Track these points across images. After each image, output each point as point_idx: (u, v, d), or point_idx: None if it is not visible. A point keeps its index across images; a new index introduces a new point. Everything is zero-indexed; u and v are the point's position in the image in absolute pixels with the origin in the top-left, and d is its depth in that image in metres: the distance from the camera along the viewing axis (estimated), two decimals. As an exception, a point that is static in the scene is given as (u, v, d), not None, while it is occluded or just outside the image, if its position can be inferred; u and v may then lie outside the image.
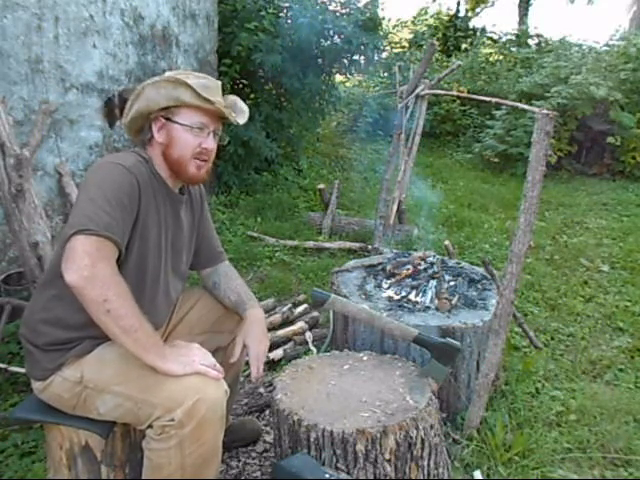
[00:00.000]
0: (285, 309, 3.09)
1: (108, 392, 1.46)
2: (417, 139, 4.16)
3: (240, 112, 1.66)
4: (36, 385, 1.54)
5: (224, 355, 1.84)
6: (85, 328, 1.49)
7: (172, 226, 1.64)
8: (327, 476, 1.46)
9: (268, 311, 3.09)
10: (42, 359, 1.51)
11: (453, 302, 2.29)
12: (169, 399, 1.39)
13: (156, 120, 1.57)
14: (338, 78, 7.72)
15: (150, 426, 1.42)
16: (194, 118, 1.54)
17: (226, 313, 1.85)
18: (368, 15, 5.65)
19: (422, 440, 1.62)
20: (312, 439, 1.57)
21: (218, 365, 1.48)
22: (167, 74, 1.59)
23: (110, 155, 1.62)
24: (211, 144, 1.58)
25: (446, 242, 3.14)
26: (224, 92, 1.64)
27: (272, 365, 2.65)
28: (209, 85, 1.56)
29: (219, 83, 1.62)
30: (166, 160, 1.58)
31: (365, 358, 1.94)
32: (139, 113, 1.57)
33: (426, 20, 13.77)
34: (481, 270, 2.61)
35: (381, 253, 3.40)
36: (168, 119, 1.55)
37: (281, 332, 2.83)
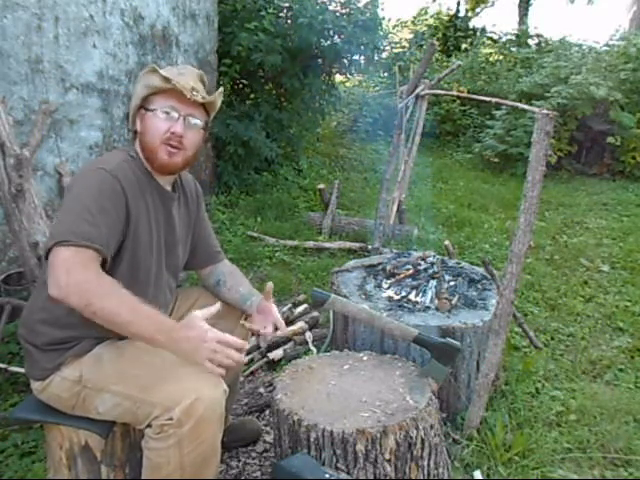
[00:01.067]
0: (285, 309, 3.09)
1: (107, 391, 1.46)
2: (417, 139, 4.16)
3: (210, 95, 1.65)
4: (35, 385, 1.55)
5: None
6: (84, 328, 1.49)
7: (164, 224, 1.63)
8: (327, 476, 1.46)
9: (268, 311, 3.09)
10: (41, 359, 1.51)
11: (453, 302, 2.29)
12: (167, 398, 1.39)
13: (139, 112, 1.59)
14: (338, 78, 7.71)
15: (149, 425, 1.42)
16: (162, 102, 1.55)
17: (225, 312, 1.84)
18: (368, 15, 5.65)
19: (422, 440, 1.62)
20: (312, 439, 1.57)
21: (233, 338, 1.39)
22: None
23: (98, 158, 1.63)
24: (179, 128, 1.54)
25: (446, 242, 3.14)
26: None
27: (272, 365, 2.65)
28: (183, 72, 1.59)
29: (198, 72, 1.64)
30: (142, 149, 1.59)
31: (365, 358, 1.94)
32: (133, 107, 1.61)
33: (426, 20, 13.77)
34: (481, 270, 2.61)
35: (381, 253, 3.40)
36: (146, 109, 1.57)
37: (281, 332, 2.83)
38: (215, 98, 1.63)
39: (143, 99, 1.57)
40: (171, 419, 1.38)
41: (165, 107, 1.54)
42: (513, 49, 10.52)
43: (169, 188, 1.67)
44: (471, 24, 12.94)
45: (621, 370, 2.68)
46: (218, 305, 1.47)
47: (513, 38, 11.12)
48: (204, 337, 1.35)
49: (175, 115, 1.55)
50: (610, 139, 6.77)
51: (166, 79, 1.52)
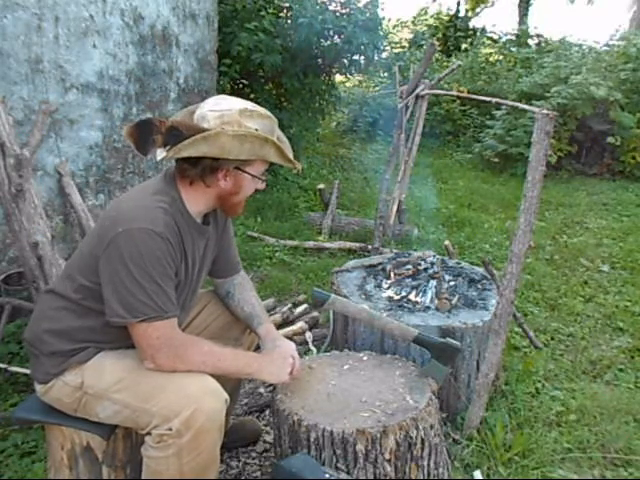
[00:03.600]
0: (285, 309, 3.09)
1: (107, 399, 1.47)
2: (417, 139, 4.16)
3: (290, 150, 1.66)
4: (38, 388, 1.55)
5: None
6: (92, 341, 1.51)
7: (198, 256, 1.62)
8: (327, 476, 1.46)
9: (268, 311, 3.09)
10: (46, 363, 1.52)
11: (453, 302, 2.29)
12: (166, 408, 1.39)
13: (226, 169, 1.50)
14: (338, 78, 7.72)
15: (149, 433, 1.42)
16: (262, 168, 1.57)
17: (233, 320, 1.84)
18: (368, 15, 5.65)
19: (422, 440, 1.62)
20: (312, 439, 1.57)
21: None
22: (233, 109, 1.47)
23: (133, 204, 1.47)
24: (264, 185, 1.62)
25: (446, 242, 3.13)
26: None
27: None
28: (274, 128, 1.58)
29: (276, 120, 1.63)
30: (221, 202, 1.57)
31: (365, 358, 1.94)
32: (204, 155, 1.44)
33: (426, 20, 13.78)
34: (481, 270, 2.61)
35: (381, 253, 3.40)
36: (240, 169, 1.52)
37: (281, 332, 2.83)
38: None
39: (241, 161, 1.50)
40: (170, 429, 1.38)
41: (263, 172, 1.59)
42: (513, 49, 10.51)
43: (200, 220, 1.62)
44: (471, 24, 12.94)
45: (621, 370, 2.68)
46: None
47: (513, 38, 11.12)
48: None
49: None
50: (610, 139, 6.77)
51: (291, 162, 1.57)
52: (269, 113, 1.58)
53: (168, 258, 1.43)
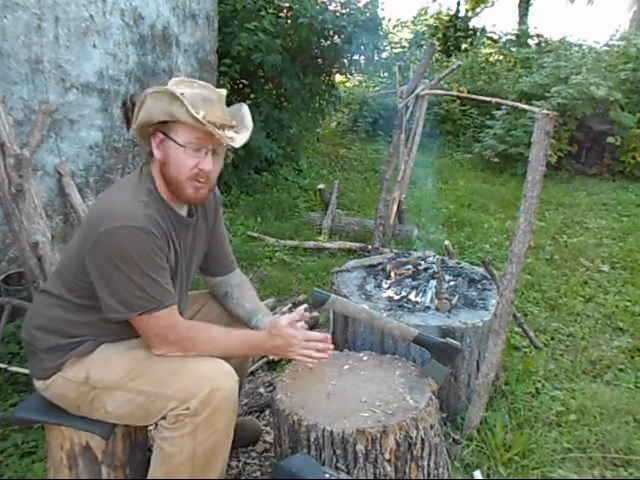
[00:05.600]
0: (285, 309, 3.09)
1: (119, 389, 1.48)
2: (417, 139, 4.16)
3: (242, 128, 1.54)
4: (38, 384, 1.56)
5: None
6: (87, 335, 1.51)
7: (183, 250, 1.61)
8: (327, 476, 1.47)
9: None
10: (44, 358, 1.52)
11: (453, 302, 2.29)
12: (183, 390, 1.42)
13: (154, 135, 1.48)
14: (338, 78, 7.72)
15: (163, 417, 1.44)
16: (189, 136, 1.43)
17: (231, 321, 1.83)
18: (368, 15, 5.65)
19: (422, 440, 1.62)
20: (312, 439, 1.57)
21: (316, 334, 1.65)
22: (170, 82, 1.49)
23: (114, 202, 1.46)
24: (208, 165, 1.46)
25: (446, 242, 3.13)
26: (223, 90, 1.56)
27: (272, 365, 2.65)
28: (209, 97, 1.45)
29: (223, 94, 1.51)
30: (164, 178, 1.50)
31: (365, 358, 1.94)
32: (142, 123, 1.48)
33: (426, 20, 13.77)
34: (481, 270, 2.61)
35: (381, 253, 3.40)
36: (165, 135, 1.46)
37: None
38: (248, 135, 1.53)
39: (161, 123, 1.45)
40: (188, 409, 1.40)
41: (193, 143, 1.44)
42: (513, 49, 10.50)
43: (185, 212, 1.61)
44: (471, 24, 12.91)
45: (621, 370, 2.68)
46: (301, 308, 1.66)
47: (513, 38, 11.10)
48: (290, 342, 1.58)
49: (203, 150, 1.46)
50: (610, 139, 6.77)
51: (198, 120, 1.38)
52: (211, 86, 1.50)
53: (156, 250, 1.44)
